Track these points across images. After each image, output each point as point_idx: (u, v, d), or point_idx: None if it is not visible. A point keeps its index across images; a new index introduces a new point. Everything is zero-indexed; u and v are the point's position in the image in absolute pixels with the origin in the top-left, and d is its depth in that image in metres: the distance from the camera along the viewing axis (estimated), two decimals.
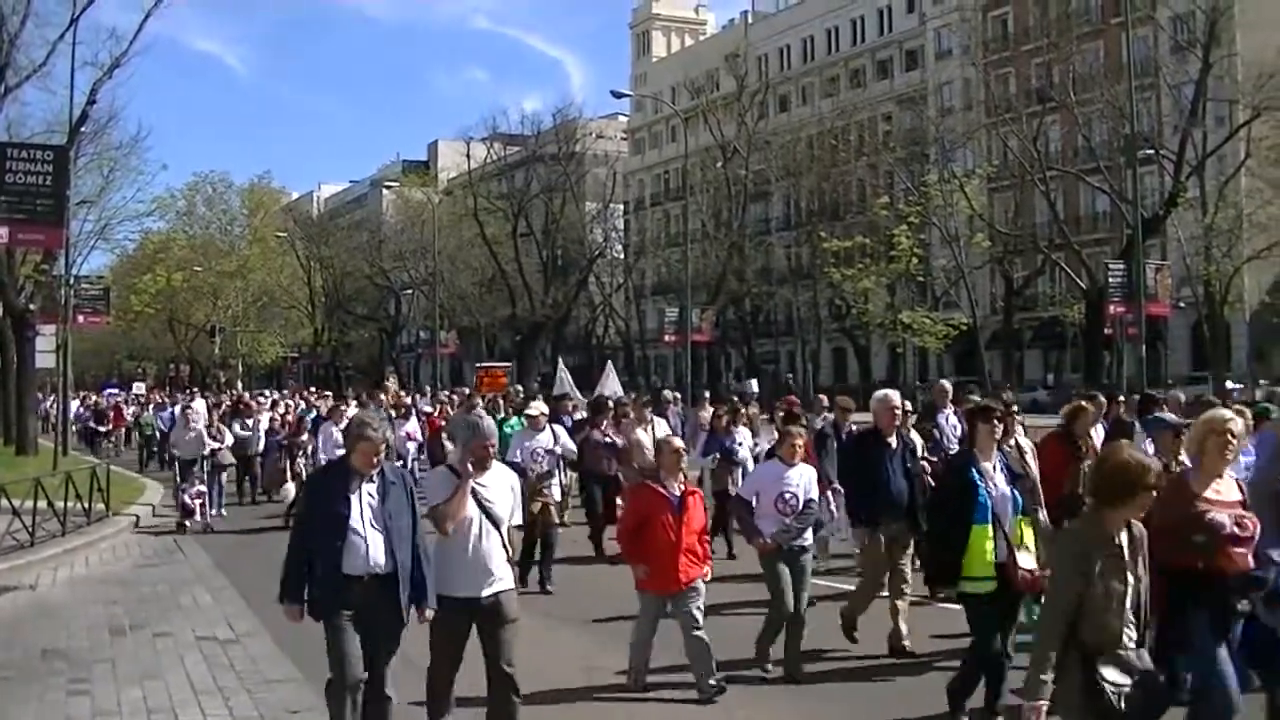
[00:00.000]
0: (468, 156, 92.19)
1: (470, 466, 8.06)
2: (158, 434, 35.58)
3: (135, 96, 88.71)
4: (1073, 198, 66.00)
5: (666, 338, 65.67)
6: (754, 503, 10.84)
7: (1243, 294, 55.87)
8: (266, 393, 46.88)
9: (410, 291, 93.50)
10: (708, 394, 37.79)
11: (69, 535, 19.08)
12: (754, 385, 30.18)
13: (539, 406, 17.62)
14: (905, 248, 61.34)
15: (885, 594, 11.61)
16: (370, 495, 7.68)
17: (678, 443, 10.63)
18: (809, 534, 11.01)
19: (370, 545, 7.57)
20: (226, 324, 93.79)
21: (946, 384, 18.08)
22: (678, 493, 9.97)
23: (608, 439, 18.64)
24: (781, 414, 18.15)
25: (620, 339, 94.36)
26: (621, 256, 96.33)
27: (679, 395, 30.55)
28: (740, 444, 18.20)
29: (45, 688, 10.27)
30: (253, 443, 26.62)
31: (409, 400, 31.93)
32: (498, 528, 8.09)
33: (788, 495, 10.71)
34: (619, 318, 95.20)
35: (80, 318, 39.81)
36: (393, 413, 25.01)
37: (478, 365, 47.10)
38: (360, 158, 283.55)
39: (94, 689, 10.16)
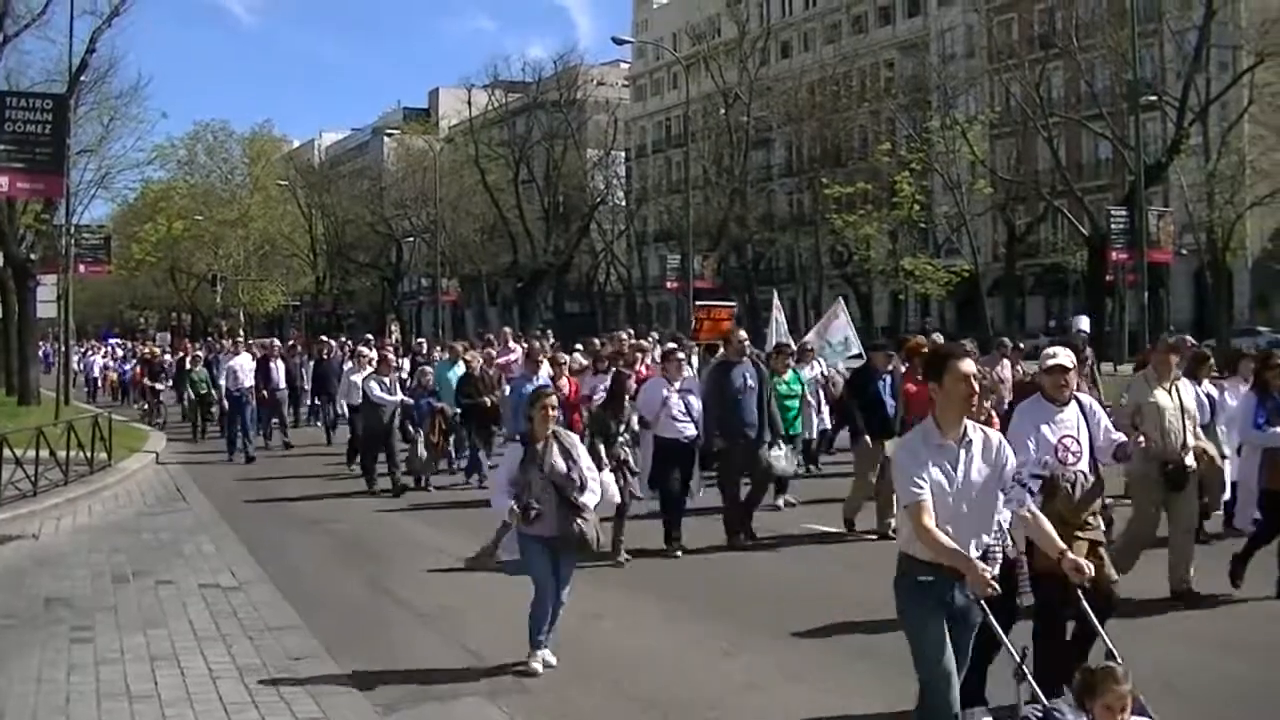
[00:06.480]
0: (469, 104, 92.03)
1: None
2: (213, 393, 28.25)
3: (135, 44, 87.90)
4: (1075, 144, 65.77)
5: (668, 285, 65.62)
6: None
7: (1245, 241, 55.79)
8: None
9: (412, 239, 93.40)
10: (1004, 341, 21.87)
11: (71, 484, 19.12)
12: (1084, 322, 21.85)
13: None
14: (907, 194, 61.18)
15: None
16: None
17: None
18: None
19: None
20: (228, 273, 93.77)
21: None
22: None
23: None
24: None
25: (622, 286, 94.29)
26: (623, 203, 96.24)
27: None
28: None
29: (48, 635, 10.33)
30: (390, 412, 19.81)
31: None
32: None
33: None
34: (620, 265, 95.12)
35: (81, 267, 40.01)
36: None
37: (698, 304, 41.94)
38: (362, 105, 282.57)
39: (97, 637, 10.21)
